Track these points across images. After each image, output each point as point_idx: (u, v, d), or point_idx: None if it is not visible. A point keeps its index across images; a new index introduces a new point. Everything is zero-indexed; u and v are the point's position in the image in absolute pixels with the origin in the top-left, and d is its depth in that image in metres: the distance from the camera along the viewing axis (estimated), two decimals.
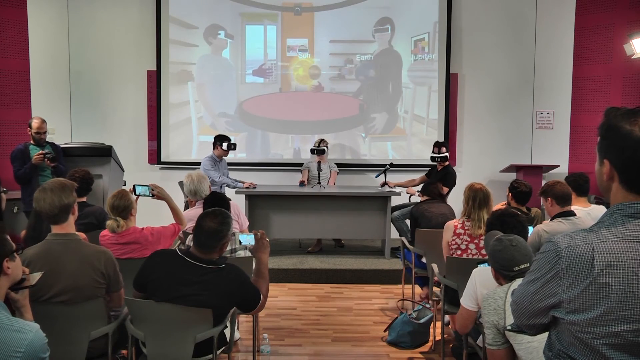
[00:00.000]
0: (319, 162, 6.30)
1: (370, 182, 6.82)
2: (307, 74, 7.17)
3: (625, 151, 1.23)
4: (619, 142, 1.24)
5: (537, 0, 7.15)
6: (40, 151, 5.01)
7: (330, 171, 6.51)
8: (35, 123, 5.12)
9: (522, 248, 2.37)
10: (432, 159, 6.11)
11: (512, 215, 2.95)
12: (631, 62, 6.39)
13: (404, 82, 7.19)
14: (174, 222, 3.54)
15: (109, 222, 3.24)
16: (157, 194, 3.58)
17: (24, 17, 6.71)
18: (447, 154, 6.06)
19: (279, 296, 5.02)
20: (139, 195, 3.61)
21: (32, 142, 5.17)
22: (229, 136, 6.15)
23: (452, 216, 4.49)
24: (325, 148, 6.32)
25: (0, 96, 6.59)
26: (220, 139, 6.04)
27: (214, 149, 6.07)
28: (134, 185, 3.64)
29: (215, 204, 3.24)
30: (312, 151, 6.28)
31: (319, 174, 6.26)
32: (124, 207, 3.26)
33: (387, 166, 6.17)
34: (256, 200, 5.91)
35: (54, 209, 2.54)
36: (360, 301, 4.94)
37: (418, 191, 5.89)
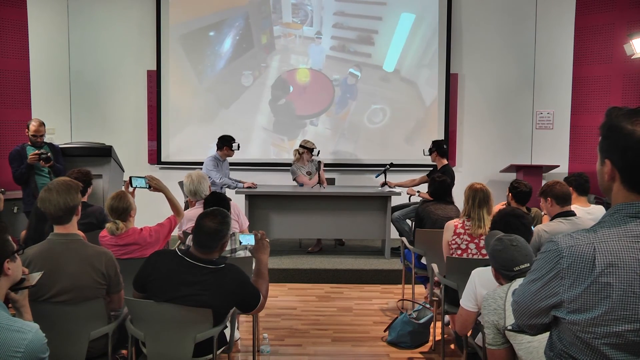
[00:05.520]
0: (319, 162, 6.28)
1: (370, 182, 6.82)
2: (307, 77, 7.18)
3: (626, 151, 1.23)
4: (620, 142, 1.24)
5: (537, 0, 7.15)
6: (36, 151, 5.00)
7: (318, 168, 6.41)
8: (32, 126, 5.11)
9: (523, 248, 2.36)
10: (423, 152, 6.15)
11: (517, 217, 2.89)
12: (631, 62, 6.39)
13: (403, 82, 7.18)
14: (171, 215, 3.52)
15: (108, 225, 3.23)
16: (154, 185, 3.57)
17: (24, 17, 6.71)
18: (430, 147, 6.01)
19: (279, 296, 5.02)
20: (135, 188, 3.60)
21: (29, 143, 5.17)
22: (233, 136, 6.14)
23: None
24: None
25: (0, 96, 6.59)
26: (227, 141, 6.02)
27: (218, 149, 6.06)
28: (130, 178, 3.63)
29: (216, 204, 3.23)
30: (317, 153, 6.24)
31: (318, 174, 6.24)
32: (123, 209, 3.25)
33: (387, 166, 6.16)
34: (256, 200, 5.91)
35: (59, 211, 2.54)
36: (360, 301, 4.94)
37: (418, 191, 5.89)
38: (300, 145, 6.31)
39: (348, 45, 7.09)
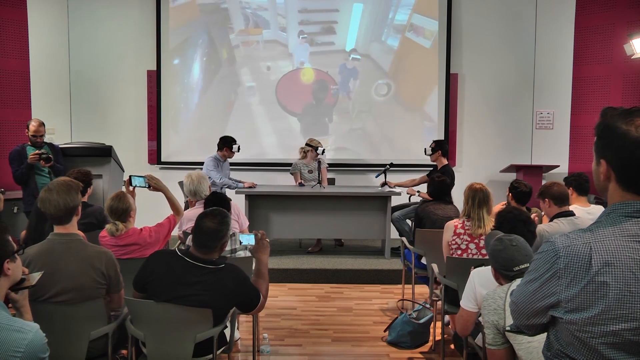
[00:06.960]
0: (319, 162, 6.28)
1: (370, 182, 6.82)
2: (310, 77, 7.20)
3: (621, 151, 1.23)
4: (615, 142, 1.25)
5: (537, 0, 7.15)
6: (36, 151, 5.01)
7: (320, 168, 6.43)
8: (32, 126, 5.11)
9: (522, 248, 2.37)
10: (425, 151, 6.12)
11: (524, 222, 2.86)
12: (631, 62, 6.39)
13: (404, 81, 7.19)
14: (170, 215, 3.53)
15: (107, 226, 3.23)
16: (153, 184, 3.58)
17: (24, 17, 6.72)
18: (434, 146, 5.96)
19: (279, 296, 5.02)
20: (135, 187, 3.61)
21: (29, 143, 5.17)
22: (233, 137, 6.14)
23: None
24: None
25: (0, 96, 6.59)
26: (228, 142, 6.02)
27: (219, 149, 6.06)
28: (130, 177, 3.64)
29: (216, 204, 3.23)
30: (322, 151, 6.25)
31: (318, 173, 6.25)
32: (122, 210, 3.25)
33: (387, 166, 6.16)
34: (256, 200, 5.91)
35: (59, 211, 2.54)
36: (360, 301, 4.94)
37: (418, 191, 5.88)
38: (306, 144, 6.33)
39: (315, 38, 7.24)
